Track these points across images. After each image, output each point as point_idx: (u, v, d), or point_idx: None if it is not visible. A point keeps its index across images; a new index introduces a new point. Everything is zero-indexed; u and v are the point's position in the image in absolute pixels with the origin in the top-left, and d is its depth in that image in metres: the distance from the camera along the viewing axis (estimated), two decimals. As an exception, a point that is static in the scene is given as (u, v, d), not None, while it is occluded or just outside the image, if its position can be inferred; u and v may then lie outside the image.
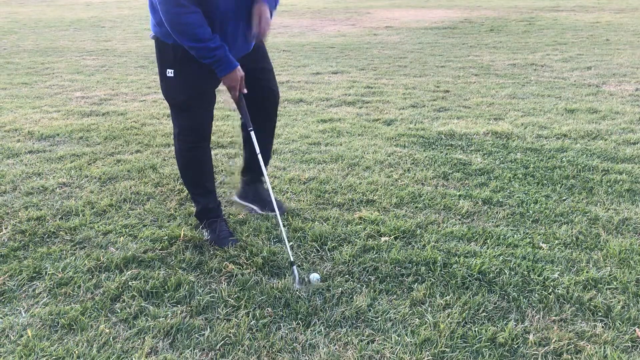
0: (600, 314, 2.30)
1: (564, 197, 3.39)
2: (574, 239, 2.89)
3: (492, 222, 3.10)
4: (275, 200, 2.91)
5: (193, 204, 3.08)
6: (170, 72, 2.67)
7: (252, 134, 2.74)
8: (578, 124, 4.88)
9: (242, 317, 2.29)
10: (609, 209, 3.22)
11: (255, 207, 3.22)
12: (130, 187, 3.57)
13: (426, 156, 4.12)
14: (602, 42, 9.72)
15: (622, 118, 5.03)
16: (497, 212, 3.20)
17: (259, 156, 2.80)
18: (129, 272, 2.59)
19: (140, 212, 3.23)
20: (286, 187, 3.57)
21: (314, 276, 2.54)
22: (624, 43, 9.53)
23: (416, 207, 3.29)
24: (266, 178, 2.84)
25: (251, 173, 3.21)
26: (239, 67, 2.61)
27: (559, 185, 3.57)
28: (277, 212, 2.72)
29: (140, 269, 2.64)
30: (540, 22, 12.76)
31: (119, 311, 2.34)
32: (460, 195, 3.42)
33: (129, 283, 2.51)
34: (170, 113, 2.87)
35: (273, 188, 3.56)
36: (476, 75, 7.18)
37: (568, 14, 14.41)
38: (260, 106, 2.95)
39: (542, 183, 3.61)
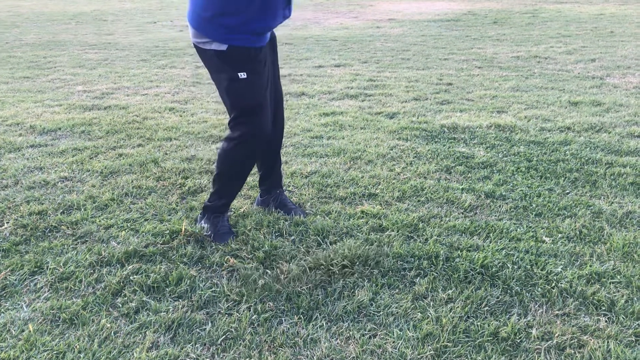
0: (603, 308, 2.28)
1: (568, 191, 3.37)
2: (578, 232, 2.87)
3: (495, 215, 3.08)
4: (298, 206, 3.04)
5: (210, 197, 2.96)
6: (242, 74, 2.64)
7: None
8: (582, 116, 4.85)
9: (243, 311, 2.28)
10: (612, 203, 3.20)
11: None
12: (132, 181, 3.57)
13: (429, 149, 4.10)
14: (606, 34, 9.66)
15: (626, 110, 5.00)
16: (500, 206, 3.18)
17: None
18: (131, 267, 2.58)
19: (142, 207, 3.23)
20: (288, 181, 3.56)
21: None
22: (629, 35, 9.47)
23: (418, 200, 3.28)
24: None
25: (269, 180, 3.16)
26: None
27: (563, 178, 3.55)
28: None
29: (142, 263, 2.63)
30: (544, 14, 12.68)
31: (121, 306, 2.34)
32: (462, 189, 3.41)
33: (131, 277, 2.51)
34: (232, 118, 2.76)
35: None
36: (479, 68, 7.15)
37: (572, 5, 14.32)
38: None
39: (545, 176, 3.59)
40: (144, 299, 2.37)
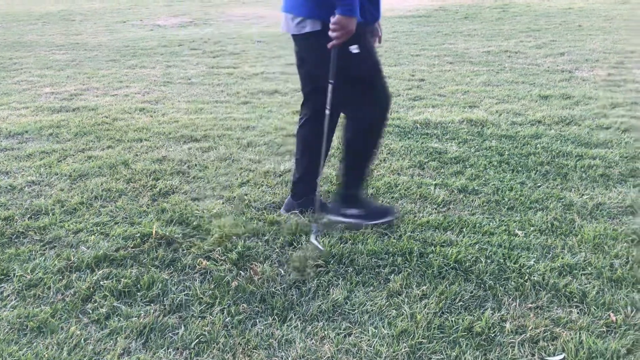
0: (575, 299, 2.30)
1: (539, 184, 3.40)
2: (549, 225, 2.90)
3: (468, 210, 3.10)
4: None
5: (353, 187, 2.93)
6: (355, 48, 2.59)
7: (330, 87, 2.63)
8: (552, 110, 4.91)
9: (216, 314, 2.25)
10: (583, 195, 3.24)
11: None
12: (102, 184, 3.49)
13: (402, 146, 4.11)
14: (574, 28, 9.79)
15: (595, 103, 5.07)
16: (472, 201, 3.20)
17: (327, 113, 2.68)
18: (101, 272, 2.53)
19: (112, 210, 3.16)
20: (261, 180, 3.53)
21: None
22: (596, 29, 9.62)
23: (392, 197, 3.28)
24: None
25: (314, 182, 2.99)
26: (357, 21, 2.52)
27: (534, 171, 3.58)
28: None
29: (112, 267, 2.58)
30: (514, 9, 12.82)
31: (91, 312, 2.28)
32: (436, 184, 3.41)
33: (101, 283, 2.45)
34: (350, 97, 2.73)
35: (248, 182, 3.52)
36: (451, 64, 7.19)
37: (541, 0, 14.51)
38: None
39: (517, 170, 3.62)
40: (115, 304, 2.32)
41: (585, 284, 2.39)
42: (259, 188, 3.41)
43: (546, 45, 8.24)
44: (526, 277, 2.44)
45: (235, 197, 3.29)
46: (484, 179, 3.49)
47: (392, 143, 4.17)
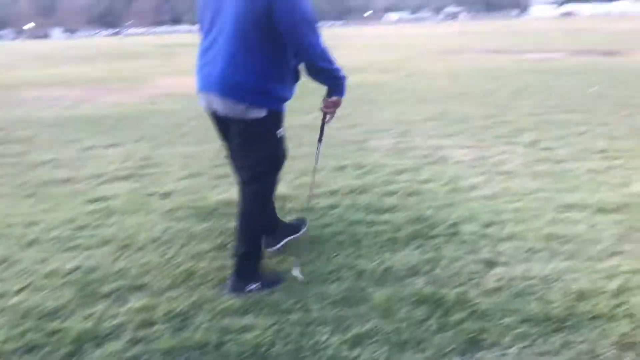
0: (366, 370, 2.36)
1: (335, 254, 3.53)
2: (343, 296, 2.99)
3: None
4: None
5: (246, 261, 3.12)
6: (281, 132, 3.08)
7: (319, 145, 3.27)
8: (347, 179, 5.22)
9: None
10: (374, 261, 3.41)
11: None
12: None
13: (202, 228, 4.03)
14: (367, 100, 10.73)
15: (384, 170, 5.50)
16: (271, 279, 3.20)
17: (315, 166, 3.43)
18: None
19: None
20: (43, 283, 3.18)
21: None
22: (387, 101, 10.64)
23: (191, 285, 3.16)
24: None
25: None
26: None
27: (331, 242, 3.72)
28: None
29: None
30: (312, 85, 13.74)
31: None
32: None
33: None
34: (261, 170, 3.08)
35: (28, 286, 3.16)
36: (255, 139, 7.36)
37: (338, 75, 15.75)
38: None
39: (315, 242, 3.72)
40: None
41: (374, 353, 2.47)
42: (39, 293, 3.07)
43: (343, 117, 8.86)
44: (320, 354, 2.46)
45: (10, 306, 2.91)
46: (283, 255, 3.53)
47: (193, 226, 4.08)
